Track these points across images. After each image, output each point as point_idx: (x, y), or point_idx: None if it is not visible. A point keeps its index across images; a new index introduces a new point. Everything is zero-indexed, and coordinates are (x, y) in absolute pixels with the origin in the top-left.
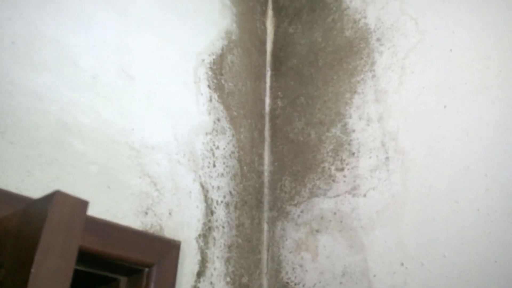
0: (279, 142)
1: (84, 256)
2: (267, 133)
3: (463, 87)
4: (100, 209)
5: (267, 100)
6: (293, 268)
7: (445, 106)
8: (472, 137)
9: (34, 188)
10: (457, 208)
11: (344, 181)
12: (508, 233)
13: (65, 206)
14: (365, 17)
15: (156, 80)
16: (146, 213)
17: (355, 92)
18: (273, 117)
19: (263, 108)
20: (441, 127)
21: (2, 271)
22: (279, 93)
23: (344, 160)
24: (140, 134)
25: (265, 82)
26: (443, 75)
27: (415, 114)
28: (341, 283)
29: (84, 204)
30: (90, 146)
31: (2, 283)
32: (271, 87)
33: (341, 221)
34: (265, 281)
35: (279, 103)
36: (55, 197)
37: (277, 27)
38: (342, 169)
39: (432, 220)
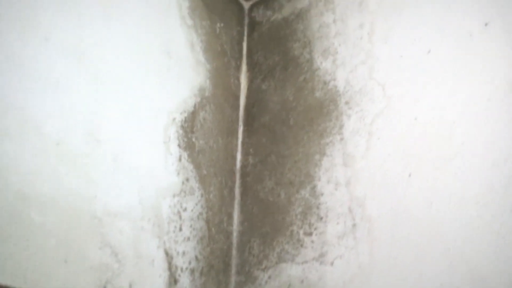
0: (249, 201)
1: None
2: (237, 190)
3: (427, 156)
4: (55, 285)
5: (239, 156)
6: None
7: (410, 175)
8: (435, 208)
9: None
10: (421, 282)
11: (312, 247)
12: None
13: None
14: (334, 79)
15: (124, 142)
16: (105, 287)
17: (324, 154)
18: (244, 174)
19: (234, 164)
20: (406, 196)
21: None
22: (251, 149)
23: (313, 225)
24: (103, 201)
25: (237, 138)
26: (408, 142)
27: (381, 181)
28: None
29: None
30: (50, 217)
31: None
32: (243, 143)
33: None
34: None
35: (251, 160)
36: None
37: (250, 82)
38: (310, 234)
39: None
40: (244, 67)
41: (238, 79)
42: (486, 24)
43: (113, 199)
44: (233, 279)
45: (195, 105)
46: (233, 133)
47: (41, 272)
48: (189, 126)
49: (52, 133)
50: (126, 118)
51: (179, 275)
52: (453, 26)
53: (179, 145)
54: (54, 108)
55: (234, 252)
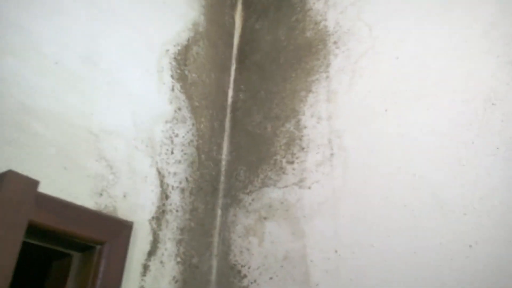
0: (237, 133)
1: (39, 231)
2: (227, 124)
3: (403, 93)
4: (56, 188)
5: (230, 92)
6: (241, 251)
7: (386, 110)
8: (406, 140)
9: None
10: (387, 203)
11: (293, 174)
12: (429, 229)
13: (16, 184)
14: (325, 20)
15: (119, 68)
16: (101, 194)
17: (310, 91)
18: (234, 109)
19: (226, 100)
20: (381, 129)
21: None
22: (242, 86)
23: (295, 154)
24: (99, 119)
25: (229, 75)
26: (387, 80)
27: (360, 116)
28: (282, 266)
29: (34, 183)
30: (50, 129)
31: None
32: (235, 80)
33: (287, 210)
34: (214, 262)
35: (241, 96)
36: (7, 175)
37: (245, 21)
38: (292, 162)
39: (365, 213)
40: (239, 6)
41: (232, 17)
42: None
43: (108, 119)
44: (220, 201)
45: (188, 39)
46: (225, 69)
47: (42, 175)
48: (182, 59)
49: (51, 53)
50: (121, 45)
51: (170, 192)
52: None
53: (172, 76)
54: (52, 30)
55: (222, 177)
